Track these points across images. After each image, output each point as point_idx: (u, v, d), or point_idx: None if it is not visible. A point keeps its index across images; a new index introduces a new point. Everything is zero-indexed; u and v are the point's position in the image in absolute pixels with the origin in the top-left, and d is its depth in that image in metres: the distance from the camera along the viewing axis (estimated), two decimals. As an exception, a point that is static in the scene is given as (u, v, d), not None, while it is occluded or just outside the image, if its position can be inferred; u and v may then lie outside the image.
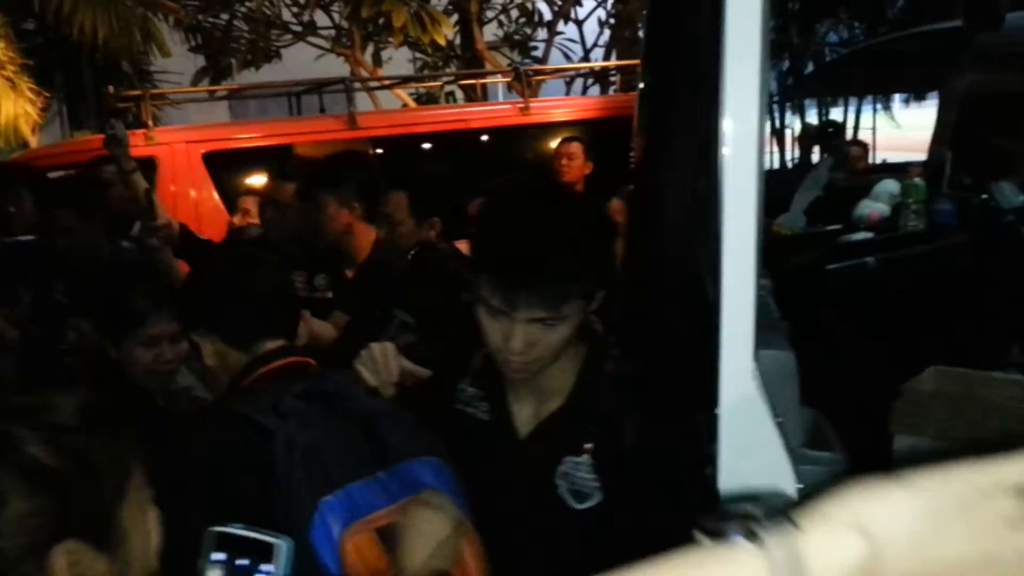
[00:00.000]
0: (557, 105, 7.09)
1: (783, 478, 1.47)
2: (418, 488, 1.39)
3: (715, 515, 0.60)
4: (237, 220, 4.90)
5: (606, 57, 10.72)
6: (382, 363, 1.60)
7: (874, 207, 3.83)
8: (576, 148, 5.11)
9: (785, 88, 13.82)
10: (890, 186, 3.83)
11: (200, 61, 10.07)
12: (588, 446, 1.54)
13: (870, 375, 3.15)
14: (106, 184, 4.12)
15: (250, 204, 4.95)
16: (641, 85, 2.95)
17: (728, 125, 1.52)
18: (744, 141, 1.53)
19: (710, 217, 2.30)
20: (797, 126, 12.80)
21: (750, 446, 1.48)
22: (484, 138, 6.53)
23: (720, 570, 0.57)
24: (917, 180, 3.61)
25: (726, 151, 1.53)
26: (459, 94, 9.66)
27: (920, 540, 0.58)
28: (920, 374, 3.43)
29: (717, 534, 0.59)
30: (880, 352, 3.25)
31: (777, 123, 13.51)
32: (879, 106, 14.79)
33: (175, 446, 1.50)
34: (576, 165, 5.03)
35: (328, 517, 1.33)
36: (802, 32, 13.02)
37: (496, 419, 1.61)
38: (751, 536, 0.58)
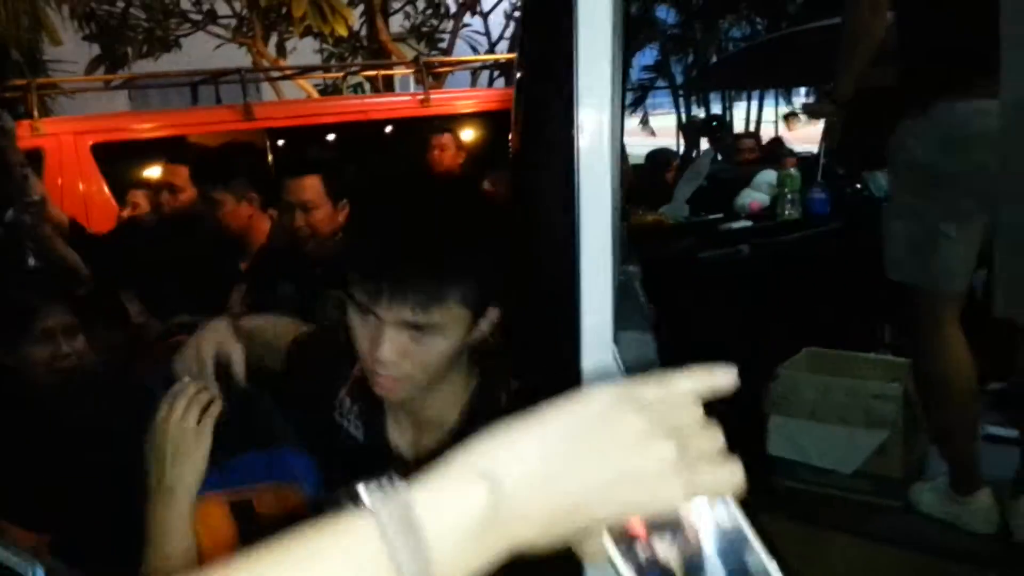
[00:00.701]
0: (458, 97, 7.10)
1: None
2: (286, 478, 1.45)
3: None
4: (126, 213, 4.81)
5: (511, 50, 10.76)
6: (193, 356, 1.47)
7: (754, 196, 3.95)
8: (447, 139, 5.21)
9: (688, 81, 14.09)
10: (770, 176, 3.96)
11: (95, 50, 9.79)
12: None
13: (744, 358, 3.24)
14: None
15: (139, 197, 4.86)
16: (517, 75, 3.00)
17: (583, 114, 1.55)
18: (597, 129, 1.57)
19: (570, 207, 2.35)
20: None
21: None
22: (384, 129, 6.51)
23: (328, 540, 0.54)
24: (792, 170, 3.74)
25: (581, 141, 1.57)
26: (367, 86, 9.61)
27: (546, 474, 0.57)
28: (793, 356, 3.56)
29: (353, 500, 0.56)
30: (755, 336, 3.36)
31: (682, 116, 13.77)
32: (781, 99, 15.19)
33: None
34: (448, 156, 5.11)
35: None
36: (704, 27, 13.29)
37: (370, 443, 1.44)
38: (356, 499, 0.56)
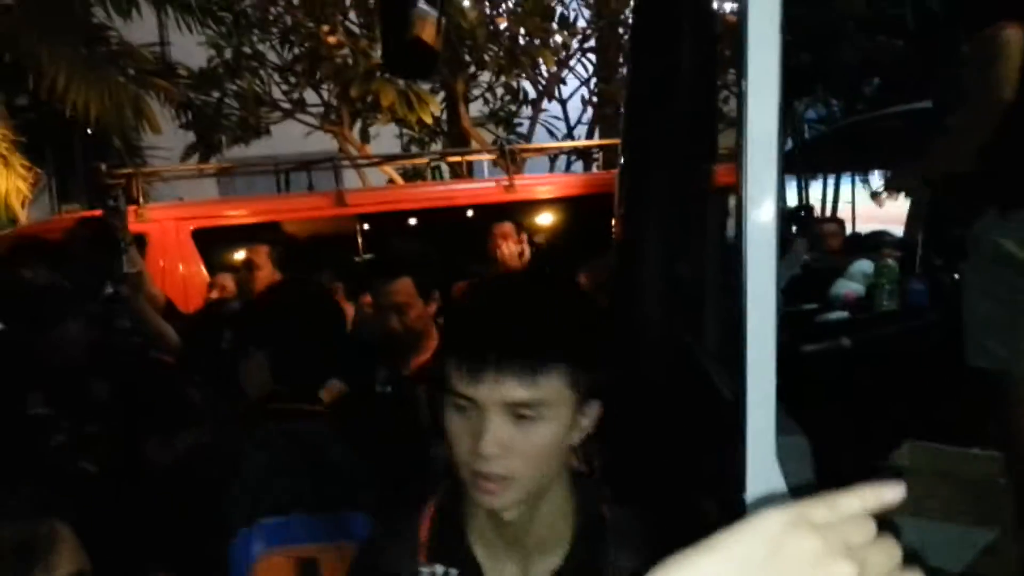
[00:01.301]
0: (541, 182, 7.23)
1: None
2: (349, 537, 1.50)
3: None
4: (214, 295, 4.97)
5: (589, 135, 10.94)
6: None
7: (849, 287, 3.93)
8: (508, 228, 5.32)
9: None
10: (865, 266, 3.94)
11: (189, 136, 10.23)
12: None
13: (848, 452, 3.20)
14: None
15: (226, 280, 5.03)
16: (622, 161, 3.06)
17: (752, 208, 1.54)
18: (766, 222, 1.55)
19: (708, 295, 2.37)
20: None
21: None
22: (470, 214, 6.65)
23: None
24: (890, 261, 3.73)
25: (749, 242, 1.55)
26: (445, 168, 9.84)
27: None
28: (896, 450, 3.50)
29: None
30: (858, 429, 3.32)
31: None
32: (857, 183, 15.06)
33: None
34: (511, 244, 5.21)
35: (256, 536, 1.49)
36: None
37: None
38: None
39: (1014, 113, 2.49)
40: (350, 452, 1.81)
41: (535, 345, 1.18)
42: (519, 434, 1.18)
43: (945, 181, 2.92)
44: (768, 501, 1.53)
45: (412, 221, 6.52)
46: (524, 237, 5.18)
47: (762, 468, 1.55)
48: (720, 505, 1.66)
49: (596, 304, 1.41)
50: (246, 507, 1.67)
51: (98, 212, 5.16)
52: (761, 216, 1.58)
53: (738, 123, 1.55)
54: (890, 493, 0.65)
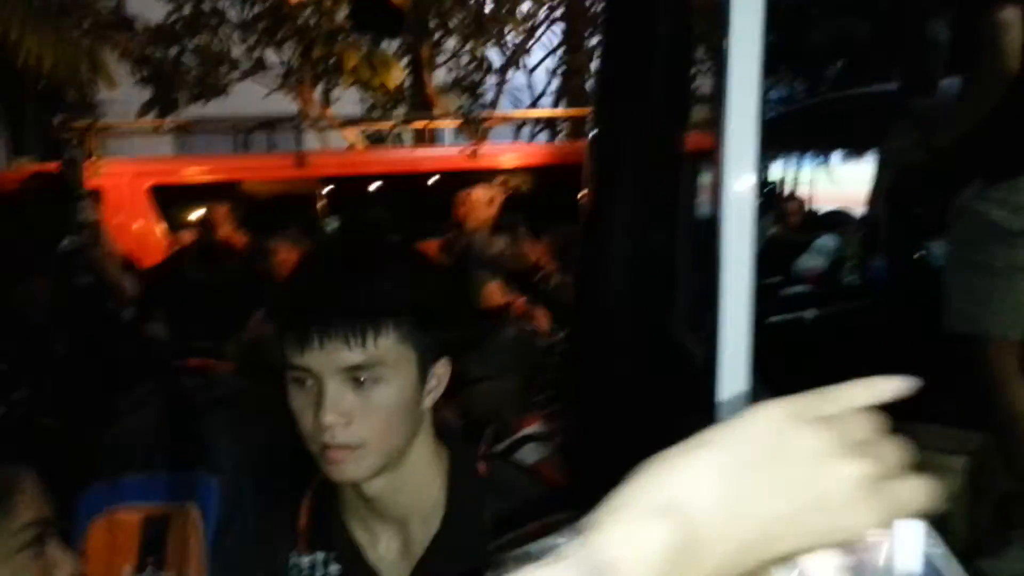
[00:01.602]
0: (505, 151, 7.19)
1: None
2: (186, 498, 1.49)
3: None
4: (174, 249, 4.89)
5: (555, 106, 10.89)
6: None
7: (813, 262, 3.96)
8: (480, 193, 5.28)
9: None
10: (829, 241, 3.97)
11: (145, 93, 9.99)
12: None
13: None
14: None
15: (185, 238, 4.95)
16: (593, 132, 3.04)
17: (729, 181, 1.54)
18: (744, 192, 1.57)
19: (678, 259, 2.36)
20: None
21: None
22: (434, 180, 6.59)
23: None
24: (854, 237, 3.76)
25: (727, 207, 1.55)
26: (407, 136, 9.74)
27: (732, 503, 0.52)
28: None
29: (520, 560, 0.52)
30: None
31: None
32: (817, 162, 15.22)
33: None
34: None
35: (108, 492, 1.55)
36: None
37: None
38: (543, 553, 0.52)
39: (1009, 90, 2.55)
40: (236, 416, 1.79)
41: (359, 304, 1.13)
42: (360, 399, 1.13)
43: (936, 153, 3.00)
44: None
45: (375, 185, 6.45)
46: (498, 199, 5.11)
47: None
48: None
49: (432, 261, 1.38)
50: (115, 462, 1.66)
51: (52, 165, 5.06)
52: (739, 186, 1.58)
53: (718, 94, 1.55)
54: (900, 384, 0.57)
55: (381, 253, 1.25)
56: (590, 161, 2.94)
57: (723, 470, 0.53)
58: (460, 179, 6.56)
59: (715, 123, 1.60)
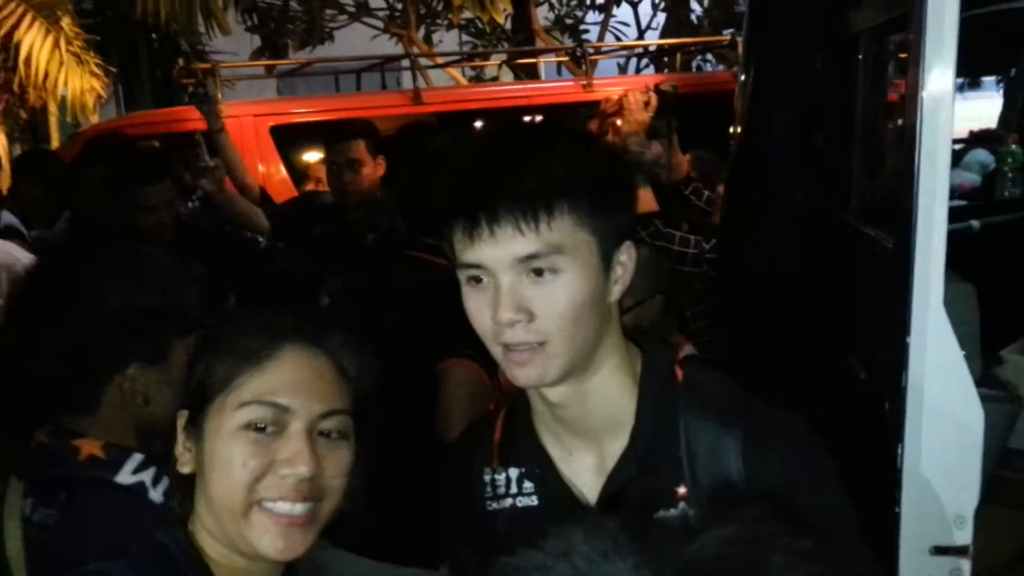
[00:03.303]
0: (619, 83, 7.06)
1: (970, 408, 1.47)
2: None
3: None
4: (310, 187, 4.94)
5: (663, 37, 10.66)
6: None
7: (964, 176, 3.79)
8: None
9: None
10: (981, 155, 3.79)
11: (252, 41, 10.15)
12: (681, 491, 1.13)
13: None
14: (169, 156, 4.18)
15: (322, 172, 4.98)
16: (742, 76, 2.96)
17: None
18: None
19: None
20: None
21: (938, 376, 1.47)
22: (548, 114, 6.52)
23: None
24: (1014, 147, 3.56)
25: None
26: (508, 78, 9.69)
27: None
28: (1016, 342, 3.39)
29: None
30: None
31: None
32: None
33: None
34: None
35: None
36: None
37: (548, 497, 1.18)
38: None
39: None
40: None
41: (529, 186, 1.04)
42: (540, 293, 1.05)
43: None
44: (933, 338, 1.51)
45: (488, 119, 6.42)
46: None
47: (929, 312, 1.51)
48: (885, 348, 1.62)
49: (604, 142, 1.24)
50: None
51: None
52: (937, 90, 1.51)
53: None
54: None
55: (549, 134, 1.17)
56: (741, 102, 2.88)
57: None
58: (574, 111, 6.52)
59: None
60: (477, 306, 1.08)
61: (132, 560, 1.06)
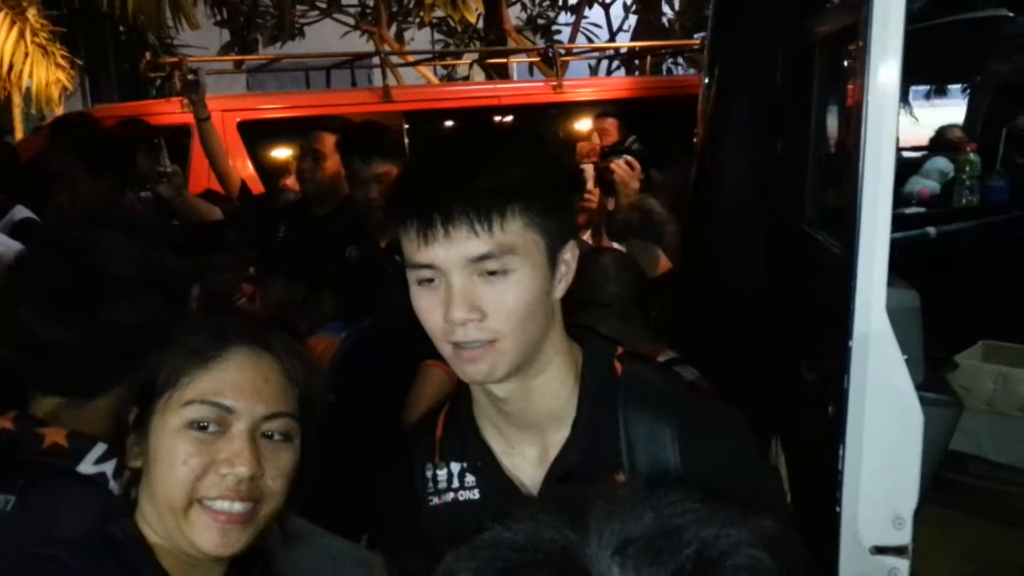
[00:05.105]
0: (589, 84, 7.10)
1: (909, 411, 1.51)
2: None
3: None
4: (288, 182, 4.89)
5: (633, 39, 10.71)
6: None
7: (923, 184, 3.85)
8: (611, 123, 5.20)
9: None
10: (941, 163, 3.85)
11: (221, 36, 10.07)
12: (620, 478, 1.15)
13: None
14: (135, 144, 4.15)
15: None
16: (706, 81, 3.00)
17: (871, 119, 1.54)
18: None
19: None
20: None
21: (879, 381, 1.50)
22: (517, 115, 6.53)
23: None
24: (972, 155, 3.63)
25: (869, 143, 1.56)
26: (479, 77, 9.69)
27: None
28: (970, 347, 3.46)
29: None
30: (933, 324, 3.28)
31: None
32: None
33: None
34: (610, 141, 5.09)
35: None
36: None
37: (490, 490, 1.20)
38: None
39: None
40: None
41: (481, 189, 1.05)
42: (491, 292, 1.07)
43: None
44: (875, 342, 1.54)
45: (458, 120, 6.42)
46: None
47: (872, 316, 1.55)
48: (830, 351, 1.65)
49: (549, 147, 1.24)
50: None
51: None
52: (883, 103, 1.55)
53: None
54: None
55: (500, 137, 1.20)
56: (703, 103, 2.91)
57: None
58: (544, 112, 6.54)
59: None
60: (428, 306, 1.09)
61: (76, 546, 1.06)
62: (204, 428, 1.06)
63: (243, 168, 5.84)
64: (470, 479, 1.21)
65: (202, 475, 1.05)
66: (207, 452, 1.05)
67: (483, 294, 1.07)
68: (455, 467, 1.22)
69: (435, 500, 1.22)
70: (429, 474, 1.23)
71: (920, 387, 1.63)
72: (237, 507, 1.05)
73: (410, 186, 1.11)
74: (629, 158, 3.28)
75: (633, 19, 10.95)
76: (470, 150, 1.13)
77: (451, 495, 1.21)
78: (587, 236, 3.58)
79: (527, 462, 1.19)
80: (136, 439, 1.12)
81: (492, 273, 1.07)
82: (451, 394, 1.29)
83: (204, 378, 1.08)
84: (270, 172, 5.79)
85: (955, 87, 11.41)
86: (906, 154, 4.82)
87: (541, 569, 0.58)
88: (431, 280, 1.08)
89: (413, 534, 1.23)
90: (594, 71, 9.85)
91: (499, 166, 1.08)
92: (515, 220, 1.07)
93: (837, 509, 1.55)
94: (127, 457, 1.14)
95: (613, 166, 3.23)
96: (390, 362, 2.37)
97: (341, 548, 1.50)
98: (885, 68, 1.50)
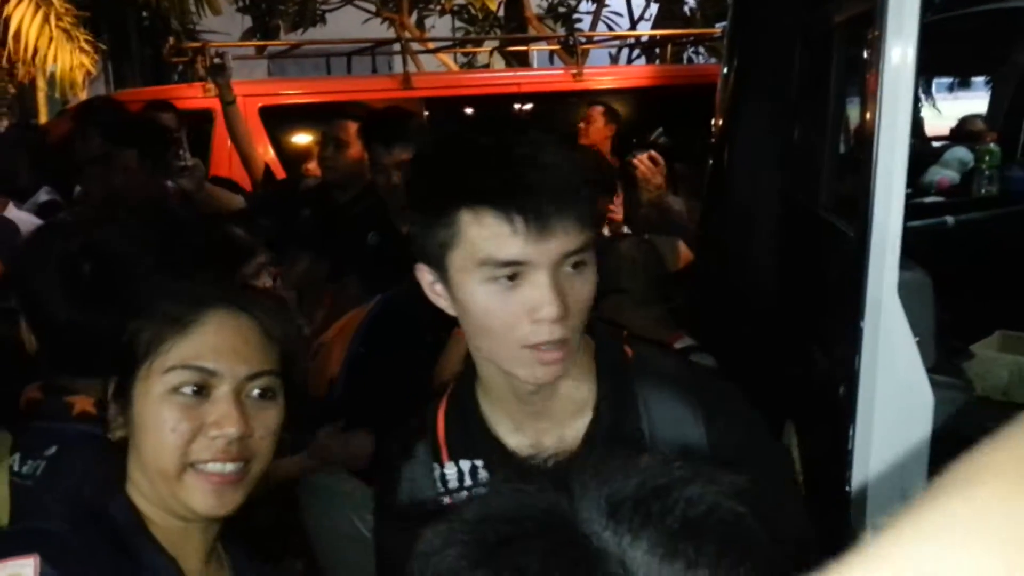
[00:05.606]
0: (609, 72, 7.10)
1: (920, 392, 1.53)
2: None
3: None
4: (311, 166, 4.92)
5: (655, 27, 10.67)
6: None
7: (943, 173, 3.84)
8: (597, 111, 5.24)
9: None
10: (961, 153, 3.84)
11: (244, 22, 10.12)
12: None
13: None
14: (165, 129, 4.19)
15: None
16: (725, 70, 3.01)
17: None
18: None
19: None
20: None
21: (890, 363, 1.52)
22: (537, 103, 6.54)
23: None
24: (992, 145, 3.62)
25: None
26: (499, 65, 9.69)
27: None
28: (987, 337, 3.45)
29: None
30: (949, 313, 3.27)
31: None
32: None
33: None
34: (596, 128, 5.13)
35: None
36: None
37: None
38: None
39: None
40: None
41: (573, 179, 1.05)
42: (573, 288, 1.05)
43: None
44: (886, 323, 1.56)
45: (478, 107, 6.44)
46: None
47: (883, 297, 1.56)
48: (842, 333, 1.67)
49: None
50: None
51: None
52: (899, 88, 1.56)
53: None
54: None
55: (546, 140, 1.13)
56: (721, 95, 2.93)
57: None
58: (564, 100, 6.55)
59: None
60: (505, 305, 1.04)
61: (70, 522, 1.07)
62: (188, 393, 1.07)
63: (264, 154, 5.90)
64: (483, 475, 1.18)
65: (192, 440, 1.07)
66: (194, 416, 1.07)
67: (570, 289, 1.04)
68: (465, 465, 1.19)
69: (447, 499, 1.19)
70: (437, 474, 1.20)
71: (932, 371, 1.64)
72: (229, 468, 1.07)
73: (496, 182, 1.03)
74: (653, 153, 3.29)
75: (654, 7, 10.90)
76: (540, 139, 1.09)
77: (465, 493, 1.18)
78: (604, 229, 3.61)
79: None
80: (118, 409, 1.13)
81: (578, 267, 1.05)
82: (444, 387, 1.27)
83: (183, 343, 1.09)
84: (291, 157, 5.83)
85: (978, 80, 11.33)
86: (927, 144, 4.81)
87: (538, 537, 0.59)
88: (511, 277, 1.03)
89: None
90: (615, 59, 9.82)
91: (571, 159, 1.08)
92: (591, 215, 1.10)
93: (847, 489, 1.58)
94: (110, 428, 1.15)
95: (636, 162, 3.24)
96: (422, 324, 2.38)
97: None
98: (899, 52, 1.51)
